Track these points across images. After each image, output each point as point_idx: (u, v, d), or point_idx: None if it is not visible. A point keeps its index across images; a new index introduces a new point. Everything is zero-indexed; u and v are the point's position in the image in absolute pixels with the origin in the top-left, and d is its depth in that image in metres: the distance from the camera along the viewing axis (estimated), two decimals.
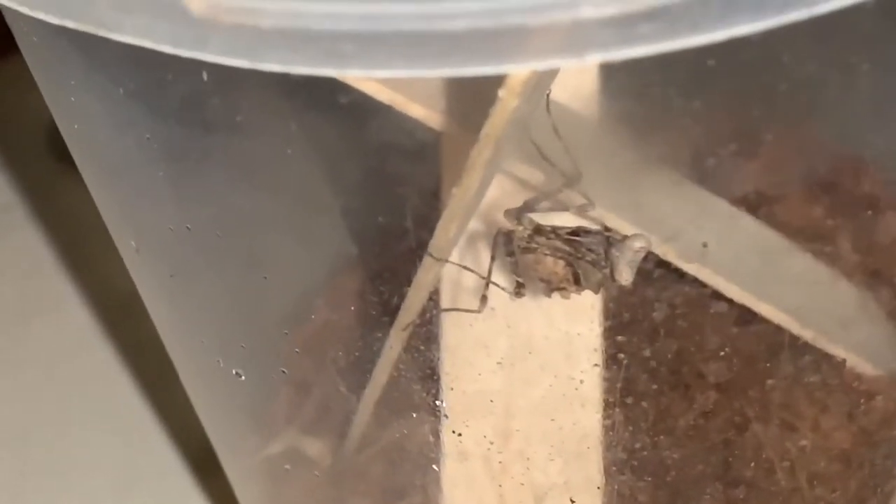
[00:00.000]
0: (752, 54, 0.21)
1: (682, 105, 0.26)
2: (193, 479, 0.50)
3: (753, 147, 0.27)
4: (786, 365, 0.31)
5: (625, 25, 0.19)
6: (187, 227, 0.29)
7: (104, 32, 0.19)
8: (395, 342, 0.32)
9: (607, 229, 0.29)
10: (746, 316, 0.30)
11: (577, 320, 0.29)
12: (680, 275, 0.29)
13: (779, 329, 0.30)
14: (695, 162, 0.30)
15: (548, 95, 0.27)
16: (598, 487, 0.30)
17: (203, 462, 0.49)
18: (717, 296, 0.30)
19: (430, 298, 0.30)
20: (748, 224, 0.30)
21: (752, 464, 0.31)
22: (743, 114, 0.26)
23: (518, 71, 0.21)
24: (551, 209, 0.30)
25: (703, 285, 0.29)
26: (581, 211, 0.30)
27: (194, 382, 0.35)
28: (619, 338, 0.29)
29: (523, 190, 0.31)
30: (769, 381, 0.31)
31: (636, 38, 0.19)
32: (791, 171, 0.31)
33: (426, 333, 0.30)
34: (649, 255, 0.29)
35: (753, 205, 0.30)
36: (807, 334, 0.30)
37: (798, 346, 0.31)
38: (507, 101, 0.21)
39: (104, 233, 0.32)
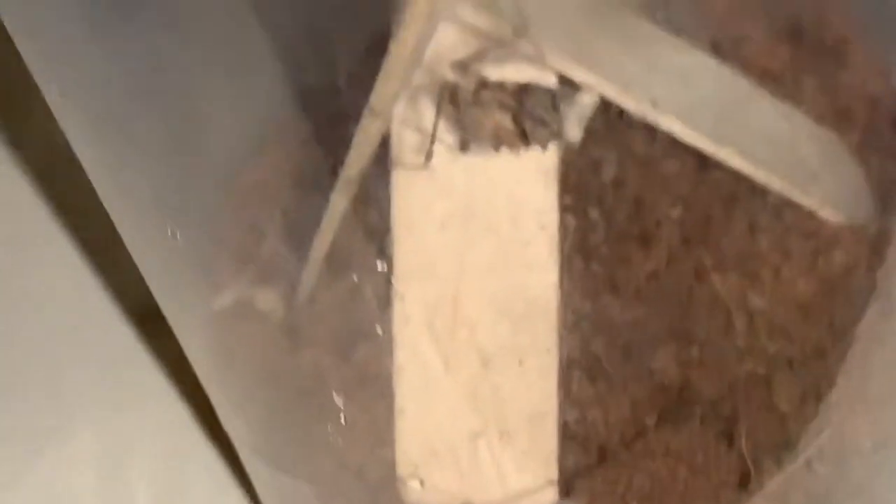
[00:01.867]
0: None
1: None
2: (138, 335, 0.54)
3: None
4: (746, 213, 0.35)
5: None
6: (114, 73, 0.31)
7: None
8: (338, 199, 0.36)
9: (560, 82, 0.32)
10: (704, 165, 0.34)
11: (524, 183, 0.32)
12: (632, 127, 0.33)
13: (738, 178, 0.34)
14: (652, 2, 0.32)
15: None
16: (548, 350, 0.34)
17: (148, 317, 0.53)
18: (673, 147, 0.33)
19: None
20: (708, 68, 0.34)
21: (709, 319, 0.35)
22: None
23: None
24: (501, 60, 0.33)
25: (657, 138, 0.33)
26: (530, 61, 0.34)
27: (136, 243, 0.39)
28: (567, 198, 0.33)
29: (471, 39, 0.33)
30: (728, 230, 0.34)
31: None
32: (754, 11, 0.34)
33: (371, 197, 0.34)
34: (601, 111, 0.32)
35: (715, 48, 0.34)
36: (772, 183, 0.33)
37: (759, 194, 0.34)
38: None
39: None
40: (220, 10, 0.32)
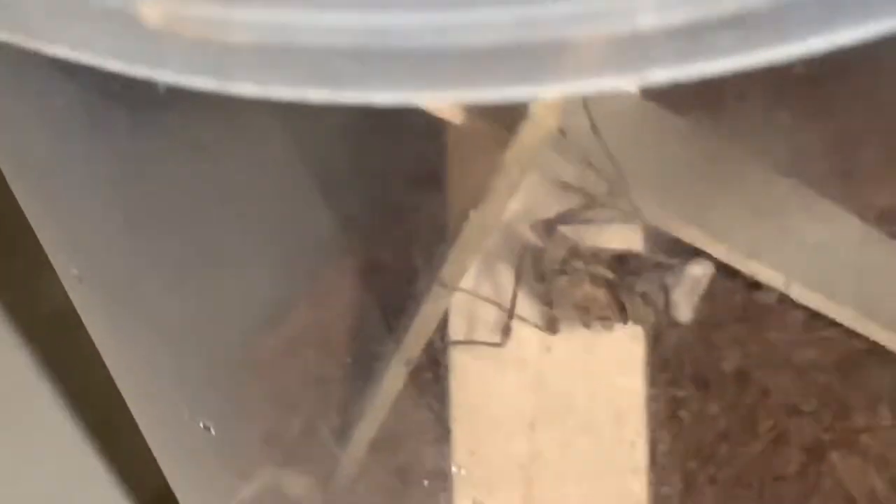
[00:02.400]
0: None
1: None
2: None
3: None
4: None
5: (697, 35, 0.18)
6: (141, 254, 0.28)
7: (38, 45, 0.19)
8: (394, 378, 0.32)
9: (667, 250, 0.28)
10: (849, 359, 0.30)
11: (626, 371, 0.28)
12: (758, 305, 0.29)
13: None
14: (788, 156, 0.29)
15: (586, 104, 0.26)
16: None
17: None
18: (808, 327, 0.29)
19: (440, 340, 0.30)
20: (854, 231, 0.30)
21: None
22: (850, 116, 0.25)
23: (557, 94, 0.20)
24: (595, 222, 0.30)
25: (789, 318, 0.29)
26: (630, 224, 0.30)
27: (152, 427, 0.35)
28: (679, 392, 0.29)
29: (556, 195, 0.30)
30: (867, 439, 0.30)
31: (712, 51, 0.18)
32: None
33: (433, 382, 0.30)
34: (716, 285, 0.28)
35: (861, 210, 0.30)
36: None
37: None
38: (543, 119, 0.21)
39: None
40: (249, 179, 0.29)
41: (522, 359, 0.27)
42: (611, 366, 0.28)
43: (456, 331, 0.30)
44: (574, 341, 0.28)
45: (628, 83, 0.18)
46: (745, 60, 0.18)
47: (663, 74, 0.18)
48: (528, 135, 0.21)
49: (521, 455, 0.28)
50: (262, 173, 0.30)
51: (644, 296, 0.28)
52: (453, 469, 0.30)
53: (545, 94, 0.19)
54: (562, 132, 0.28)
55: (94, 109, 0.26)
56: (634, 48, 0.18)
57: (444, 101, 0.17)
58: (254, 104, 0.23)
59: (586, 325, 0.30)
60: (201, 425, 0.32)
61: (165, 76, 0.19)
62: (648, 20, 0.17)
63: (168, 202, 0.28)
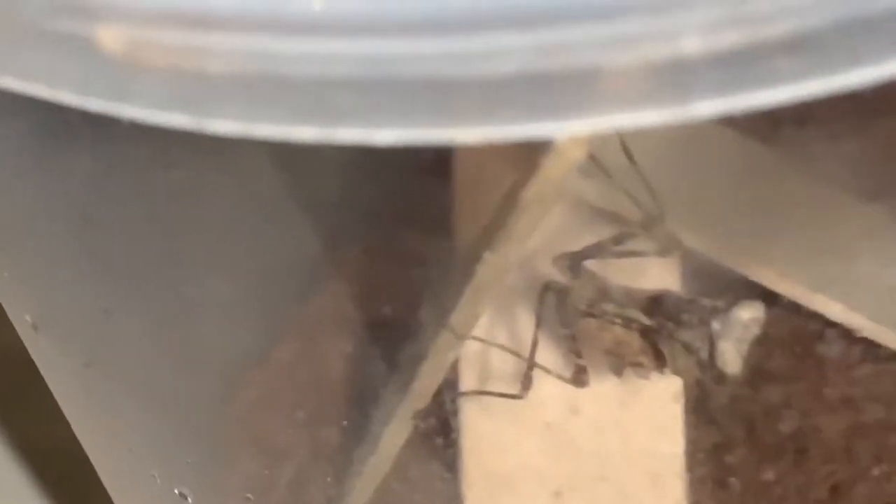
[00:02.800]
0: None
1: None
2: None
3: None
4: None
5: (749, 61, 0.18)
6: (104, 308, 0.28)
7: None
8: (396, 434, 0.32)
9: (706, 293, 0.28)
10: None
11: (666, 432, 0.28)
12: (819, 359, 0.28)
13: None
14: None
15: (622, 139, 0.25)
16: None
17: None
18: (877, 386, 0.28)
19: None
20: None
21: None
22: None
23: (587, 129, 0.20)
24: (627, 257, 0.29)
25: (856, 374, 0.28)
26: (667, 259, 0.29)
27: (123, 494, 0.35)
28: (728, 457, 0.28)
29: (583, 225, 0.29)
30: None
31: (766, 79, 0.18)
32: None
33: (444, 447, 0.29)
34: (769, 332, 0.28)
35: None
36: None
37: None
38: (570, 152, 0.20)
39: None
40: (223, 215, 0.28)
41: (545, 418, 0.27)
42: (647, 425, 0.27)
43: (468, 383, 0.30)
44: (605, 397, 0.28)
45: (670, 117, 0.18)
46: (804, 89, 0.18)
47: (710, 107, 0.18)
48: (553, 169, 0.21)
49: None
50: (243, 211, 0.29)
51: (686, 343, 0.27)
52: None
53: (574, 129, 0.18)
54: (591, 156, 0.27)
55: (50, 143, 0.25)
56: (677, 76, 0.17)
57: (456, 139, 0.16)
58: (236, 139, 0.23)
59: (617, 373, 0.29)
60: (176, 492, 0.31)
61: (129, 112, 0.18)
62: (693, 44, 0.17)
63: (135, 243, 0.28)
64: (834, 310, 0.27)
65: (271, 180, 0.28)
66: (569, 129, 0.18)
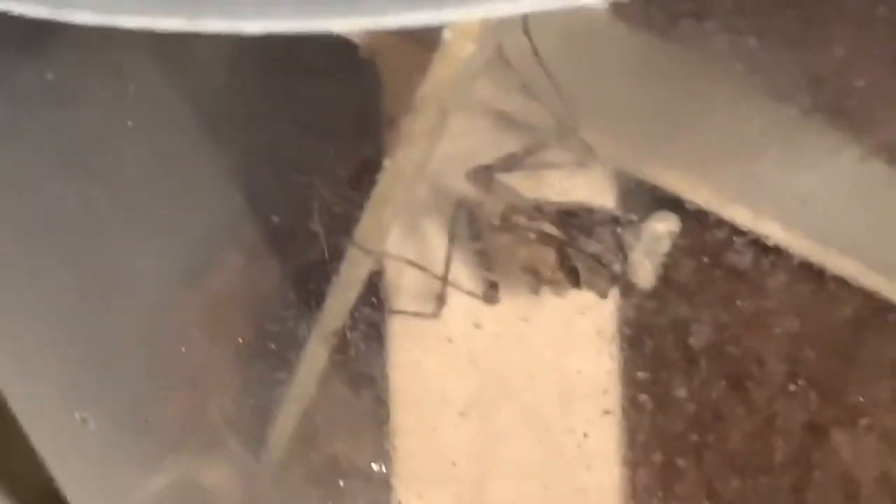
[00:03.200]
0: None
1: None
2: None
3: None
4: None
5: None
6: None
7: None
8: (315, 355, 0.31)
9: (625, 203, 0.27)
10: (840, 328, 0.29)
11: (576, 351, 0.27)
12: (731, 266, 0.27)
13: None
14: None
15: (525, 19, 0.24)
16: None
17: None
18: (790, 293, 0.28)
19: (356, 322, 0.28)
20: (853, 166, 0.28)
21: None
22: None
23: (464, 17, 0.18)
24: (541, 168, 0.28)
25: (768, 282, 0.27)
26: (583, 170, 0.28)
27: (31, 421, 0.34)
28: (640, 373, 0.27)
29: (495, 133, 0.28)
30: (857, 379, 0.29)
31: None
32: None
33: (355, 371, 0.29)
34: (681, 245, 0.27)
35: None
36: None
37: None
38: (457, 46, 0.19)
39: None
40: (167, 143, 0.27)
41: (450, 334, 0.26)
42: (551, 341, 0.27)
43: (389, 299, 0.29)
44: (509, 312, 0.27)
45: (549, 3, 0.17)
46: None
47: None
48: (443, 67, 0.19)
49: (452, 449, 0.27)
50: (149, 125, 0.28)
51: (597, 256, 0.26)
52: (374, 467, 0.29)
53: (449, 17, 0.17)
54: (503, 60, 0.26)
55: None
56: None
57: (322, 28, 0.15)
58: (127, 41, 0.21)
59: (534, 290, 0.28)
60: (77, 417, 0.31)
61: None
62: None
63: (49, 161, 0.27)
64: (742, 217, 0.26)
65: (170, 88, 0.27)
66: (443, 19, 0.17)
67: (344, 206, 0.26)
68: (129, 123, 0.25)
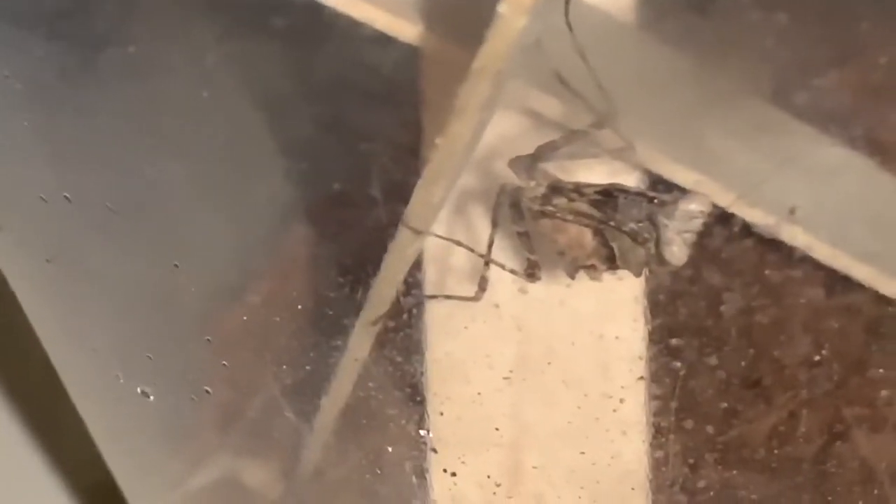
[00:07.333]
0: None
1: (764, 17, 0.25)
2: None
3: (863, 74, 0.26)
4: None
5: None
6: (66, 197, 0.28)
7: None
8: (360, 342, 0.32)
9: (654, 187, 0.28)
10: (848, 298, 0.30)
11: (614, 318, 0.28)
12: (758, 247, 0.29)
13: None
14: (782, 95, 0.29)
15: (567, 2, 0.26)
16: None
17: (99, 496, 0.49)
18: (812, 273, 0.29)
19: (409, 288, 0.29)
20: (857, 171, 0.30)
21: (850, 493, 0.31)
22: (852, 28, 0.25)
23: None
24: (579, 157, 0.29)
25: (791, 261, 0.29)
26: (618, 159, 0.30)
27: (88, 402, 0.35)
28: (674, 340, 0.29)
29: (535, 129, 0.30)
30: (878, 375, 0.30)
31: None
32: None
33: (404, 338, 0.30)
34: (714, 223, 0.28)
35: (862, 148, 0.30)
36: None
37: None
38: (511, 19, 0.20)
39: None
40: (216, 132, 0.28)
41: (496, 300, 0.27)
42: (594, 308, 0.28)
43: (430, 283, 0.30)
44: (553, 284, 0.28)
45: None
46: None
47: None
48: (497, 39, 0.21)
49: (495, 413, 0.28)
50: (223, 95, 0.29)
51: (633, 234, 0.27)
52: (421, 433, 0.30)
53: None
54: (542, 53, 0.28)
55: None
56: None
57: None
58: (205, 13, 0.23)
59: (571, 275, 0.29)
60: (139, 391, 0.32)
61: None
62: None
63: (95, 127, 0.28)
64: (767, 217, 0.27)
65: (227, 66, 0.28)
66: None
67: (404, 174, 0.27)
68: (205, 94, 0.26)
